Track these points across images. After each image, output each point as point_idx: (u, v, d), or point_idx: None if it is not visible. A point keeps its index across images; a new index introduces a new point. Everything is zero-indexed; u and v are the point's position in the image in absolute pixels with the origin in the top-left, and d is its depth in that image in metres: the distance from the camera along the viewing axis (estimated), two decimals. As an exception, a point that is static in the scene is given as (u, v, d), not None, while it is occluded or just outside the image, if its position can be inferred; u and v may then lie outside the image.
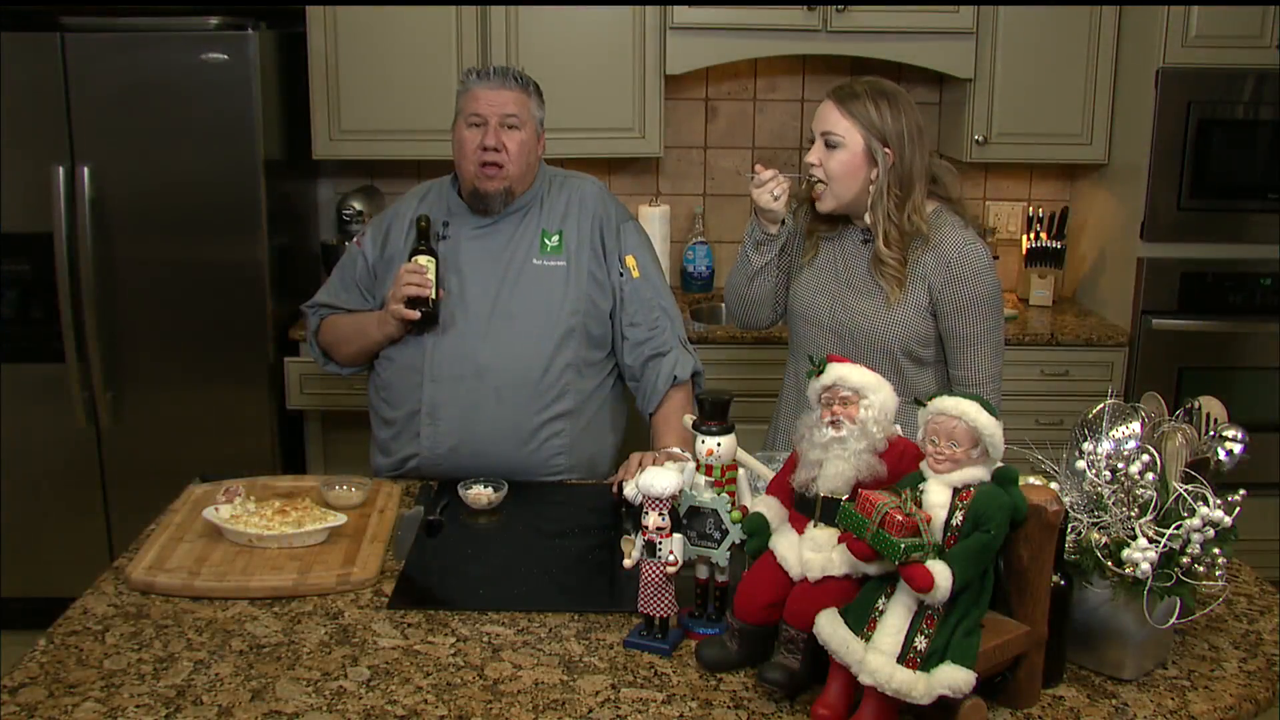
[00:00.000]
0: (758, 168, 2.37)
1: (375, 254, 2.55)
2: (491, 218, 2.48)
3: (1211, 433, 1.76)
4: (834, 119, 2.28)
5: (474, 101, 2.41)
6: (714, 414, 1.88)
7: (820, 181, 2.30)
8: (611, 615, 1.81)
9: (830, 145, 2.29)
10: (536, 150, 2.50)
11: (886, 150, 2.26)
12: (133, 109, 3.34)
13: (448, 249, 2.47)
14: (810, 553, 1.58)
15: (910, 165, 2.27)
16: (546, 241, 2.48)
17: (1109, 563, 1.58)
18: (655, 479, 1.67)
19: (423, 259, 2.39)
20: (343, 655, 1.69)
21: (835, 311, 2.39)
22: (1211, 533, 1.57)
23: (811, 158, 2.31)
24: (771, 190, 2.35)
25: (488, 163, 2.40)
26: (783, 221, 2.41)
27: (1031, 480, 1.60)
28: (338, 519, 2.06)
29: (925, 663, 1.45)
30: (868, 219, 2.32)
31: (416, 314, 2.36)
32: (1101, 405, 1.73)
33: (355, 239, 2.64)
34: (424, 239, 2.42)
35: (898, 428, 1.64)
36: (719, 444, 1.87)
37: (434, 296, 2.37)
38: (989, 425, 1.53)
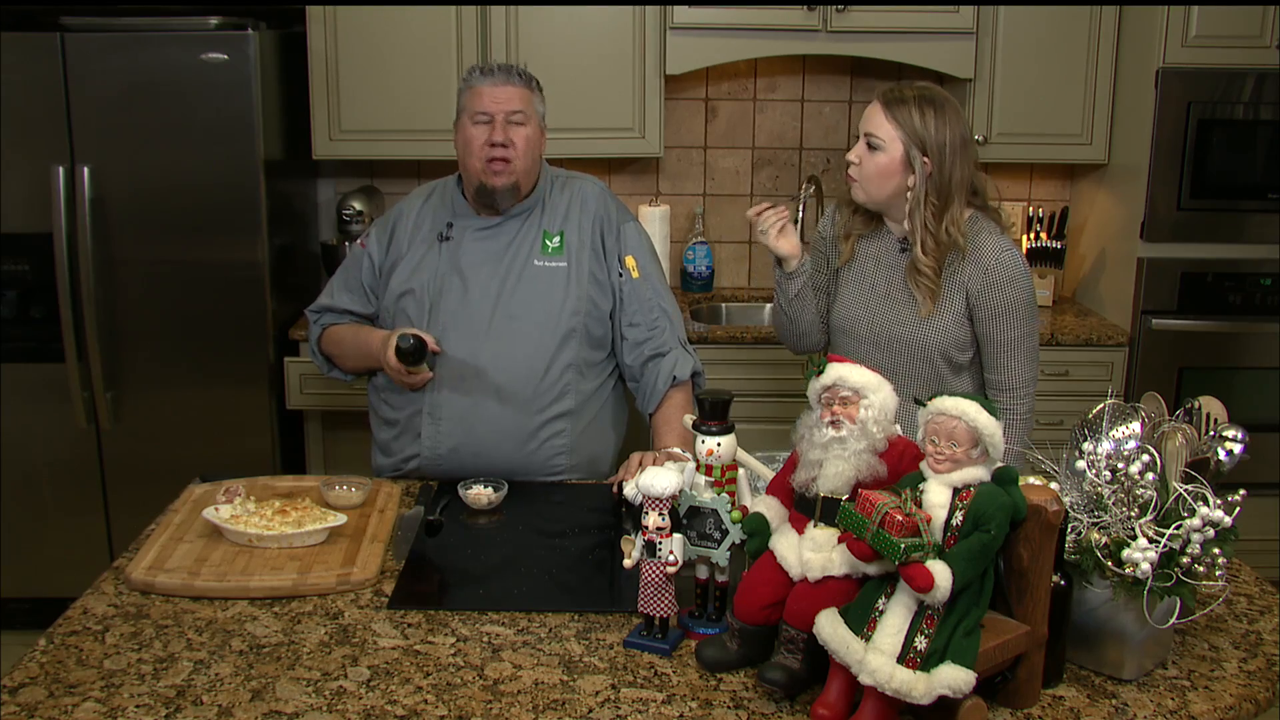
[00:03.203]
0: (753, 211, 2.40)
1: (381, 255, 2.56)
2: (495, 219, 2.48)
3: (1211, 433, 1.76)
4: (878, 121, 2.29)
5: (479, 99, 2.41)
6: (714, 414, 1.88)
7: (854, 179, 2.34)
8: (611, 615, 1.81)
9: (871, 147, 2.30)
10: (541, 145, 2.50)
11: (925, 159, 2.26)
12: (133, 109, 3.33)
13: (450, 250, 2.47)
14: (810, 553, 1.58)
15: (949, 177, 2.27)
16: (548, 242, 2.48)
17: (1109, 563, 1.58)
18: (655, 479, 1.67)
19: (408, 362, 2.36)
20: (343, 655, 1.69)
21: (873, 323, 2.40)
22: (1211, 533, 1.57)
23: (852, 155, 2.34)
24: (775, 226, 2.38)
25: (495, 158, 2.40)
26: (802, 256, 2.44)
27: (1031, 480, 1.60)
28: (338, 519, 2.06)
29: (925, 663, 1.45)
30: (904, 225, 2.33)
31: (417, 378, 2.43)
32: (1101, 405, 1.73)
33: (359, 240, 2.64)
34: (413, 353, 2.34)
35: (898, 427, 1.64)
36: (719, 444, 1.87)
37: (430, 369, 2.40)
38: (989, 425, 1.53)
